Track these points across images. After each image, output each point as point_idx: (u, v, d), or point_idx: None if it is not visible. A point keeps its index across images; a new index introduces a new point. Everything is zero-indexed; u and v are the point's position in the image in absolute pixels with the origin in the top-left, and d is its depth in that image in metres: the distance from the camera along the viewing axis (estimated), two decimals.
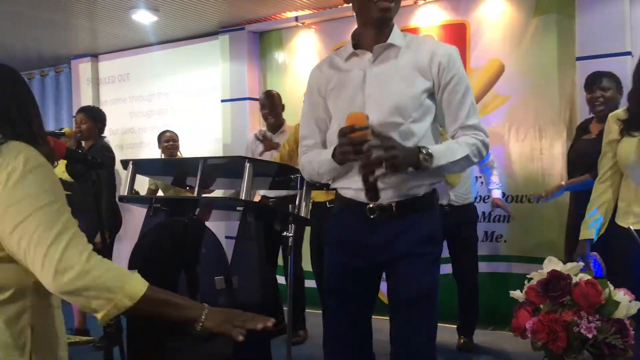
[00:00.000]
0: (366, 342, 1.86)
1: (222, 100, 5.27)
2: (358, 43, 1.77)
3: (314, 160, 1.82)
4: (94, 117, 4.01)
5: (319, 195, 3.41)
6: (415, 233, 1.72)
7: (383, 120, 1.67)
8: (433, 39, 1.79)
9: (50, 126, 6.18)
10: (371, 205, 1.71)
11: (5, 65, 1.27)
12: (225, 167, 2.68)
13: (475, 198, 3.79)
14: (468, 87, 1.73)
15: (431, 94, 1.73)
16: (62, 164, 4.60)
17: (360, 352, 1.84)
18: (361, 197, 1.70)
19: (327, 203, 3.33)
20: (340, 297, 1.82)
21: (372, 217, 1.71)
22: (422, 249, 1.72)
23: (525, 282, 1.96)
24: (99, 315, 1.13)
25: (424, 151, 1.63)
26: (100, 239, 3.07)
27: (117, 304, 1.12)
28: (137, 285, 1.15)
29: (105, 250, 3.49)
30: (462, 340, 3.60)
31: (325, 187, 2.83)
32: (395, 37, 1.73)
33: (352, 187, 1.75)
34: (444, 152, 1.69)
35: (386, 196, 1.69)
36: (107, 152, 3.92)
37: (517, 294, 1.99)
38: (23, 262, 1.12)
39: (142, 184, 4.44)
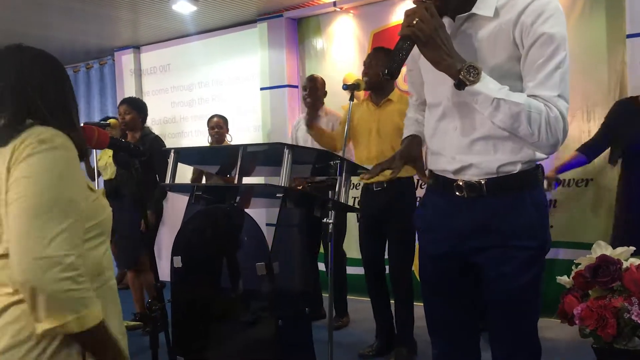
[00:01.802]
0: (471, 337, 1.71)
1: (262, 88, 5.29)
2: (444, 5, 1.50)
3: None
4: (137, 108, 4.10)
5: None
6: (511, 220, 1.51)
7: (464, 98, 1.49)
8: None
9: (96, 117, 6.35)
10: (459, 182, 1.56)
11: (46, 52, 1.28)
12: (265, 155, 2.70)
13: None
14: (557, 51, 1.42)
15: (519, 60, 1.48)
16: (109, 152, 4.74)
17: (465, 344, 1.70)
18: (448, 173, 1.59)
19: (375, 186, 3.29)
20: (433, 286, 1.69)
21: (459, 194, 1.56)
22: (519, 242, 1.51)
23: (573, 267, 1.91)
24: (40, 327, 1.06)
25: (471, 65, 1.40)
26: (144, 227, 3.13)
27: (65, 325, 1.06)
28: (92, 313, 1.10)
29: (148, 237, 3.59)
30: None
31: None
32: (482, 4, 1.48)
33: (438, 165, 1.63)
34: (496, 84, 1.42)
35: (474, 172, 1.54)
36: (160, 142, 4.06)
37: (564, 279, 1.94)
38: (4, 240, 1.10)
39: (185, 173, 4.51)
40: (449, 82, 1.47)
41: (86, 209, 1.18)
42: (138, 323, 4.02)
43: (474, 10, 1.50)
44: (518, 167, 1.52)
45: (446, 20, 1.52)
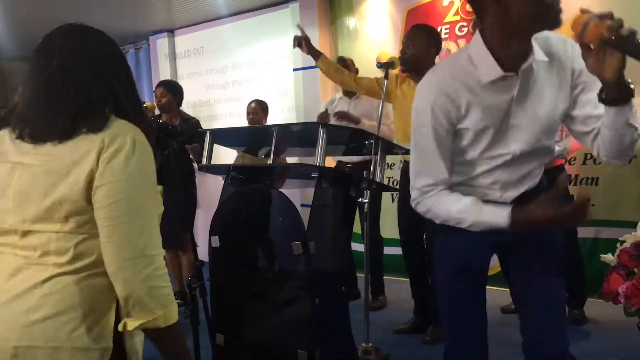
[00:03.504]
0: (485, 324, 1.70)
1: (294, 69, 5.27)
2: (500, 59, 1.43)
3: (452, 208, 1.53)
4: (173, 91, 4.15)
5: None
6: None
7: (527, 148, 1.52)
8: (556, 36, 1.49)
9: None
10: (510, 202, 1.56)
11: (108, 37, 1.28)
12: (299, 135, 2.69)
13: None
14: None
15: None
16: None
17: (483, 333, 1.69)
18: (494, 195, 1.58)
19: None
20: (473, 275, 1.67)
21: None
22: None
23: (618, 245, 1.86)
24: (131, 323, 1.13)
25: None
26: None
27: (154, 320, 1.13)
28: (175, 310, 1.17)
29: (188, 217, 3.64)
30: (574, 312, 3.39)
31: (407, 152, 2.78)
32: (537, 50, 1.44)
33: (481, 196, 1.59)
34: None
35: (530, 183, 1.58)
36: (201, 127, 4.14)
37: (608, 257, 1.89)
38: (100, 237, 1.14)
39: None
40: (515, 135, 1.50)
41: None
42: (178, 301, 4.11)
43: (536, 57, 1.43)
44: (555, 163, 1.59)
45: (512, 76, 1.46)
